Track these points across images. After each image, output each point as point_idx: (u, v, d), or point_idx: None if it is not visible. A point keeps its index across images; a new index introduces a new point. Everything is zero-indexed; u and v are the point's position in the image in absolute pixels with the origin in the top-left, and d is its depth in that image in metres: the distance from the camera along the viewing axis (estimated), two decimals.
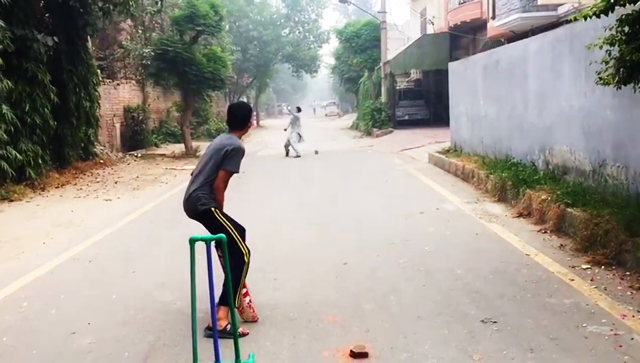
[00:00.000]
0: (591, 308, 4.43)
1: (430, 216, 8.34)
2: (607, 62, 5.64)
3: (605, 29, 5.65)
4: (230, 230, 4.37)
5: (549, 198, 7.29)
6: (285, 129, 20.59)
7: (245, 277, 4.43)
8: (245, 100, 47.07)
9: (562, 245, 6.32)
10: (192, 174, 4.62)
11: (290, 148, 19.28)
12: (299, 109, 20.24)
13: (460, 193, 10.14)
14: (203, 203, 4.39)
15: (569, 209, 6.70)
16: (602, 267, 5.39)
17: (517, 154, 10.13)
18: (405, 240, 6.91)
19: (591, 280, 5.08)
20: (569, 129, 8.08)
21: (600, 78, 5.78)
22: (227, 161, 4.39)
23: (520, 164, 9.71)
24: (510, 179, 8.91)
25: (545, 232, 6.92)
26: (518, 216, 7.91)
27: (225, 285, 4.29)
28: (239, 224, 4.59)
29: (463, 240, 6.80)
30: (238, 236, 4.44)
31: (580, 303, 4.54)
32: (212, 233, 4.33)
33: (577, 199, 6.87)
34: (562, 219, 6.78)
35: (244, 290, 4.49)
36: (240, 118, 4.60)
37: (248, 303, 4.52)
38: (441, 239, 6.91)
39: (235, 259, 4.30)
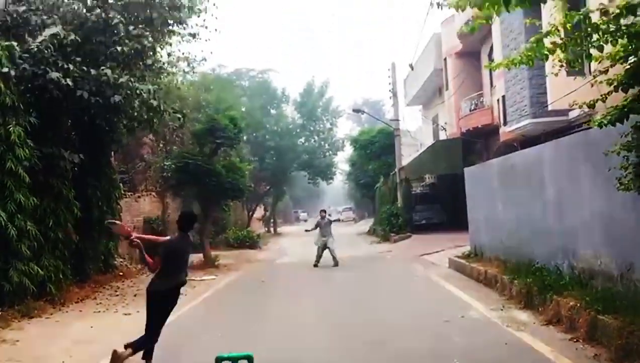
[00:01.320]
0: None
1: (455, 324, 8.13)
2: (626, 168, 5.71)
3: (621, 136, 5.77)
4: None
5: (578, 305, 7.10)
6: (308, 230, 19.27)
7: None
8: (262, 208, 47.71)
9: (596, 354, 6.08)
10: (168, 267, 6.53)
11: (332, 253, 17.67)
12: (323, 214, 18.79)
13: (485, 300, 9.93)
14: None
15: (600, 317, 6.51)
16: None
17: (541, 259, 9.98)
18: (431, 350, 6.71)
19: None
20: (592, 233, 8.03)
21: (621, 183, 5.82)
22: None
23: (545, 269, 9.54)
24: (536, 285, 8.74)
25: (577, 341, 6.68)
26: (547, 324, 7.68)
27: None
28: None
29: (492, 350, 6.58)
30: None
31: None
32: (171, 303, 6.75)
33: (608, 305, 6.67)
34: (594, 327, 6.56)
35: None
36: (187, 223, 6.81)
37: None
38: (469, 349, 6.70)
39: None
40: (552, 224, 9.45)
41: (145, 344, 6.46)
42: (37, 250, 11.70)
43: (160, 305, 6.60)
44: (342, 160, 49.55)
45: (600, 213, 7.69)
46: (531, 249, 10.51)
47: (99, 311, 11.29)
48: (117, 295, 13.31)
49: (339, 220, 17.83)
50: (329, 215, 19.78)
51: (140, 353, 6.51)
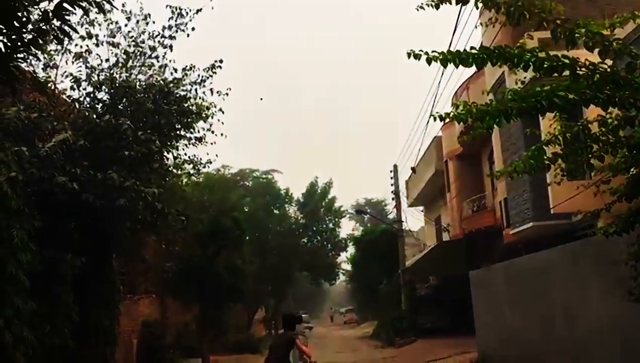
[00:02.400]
0: None
1: None
2: (635, 279, 5.61)
3: (628, 245, 5.71)
4: None
5: None
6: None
7: None
8: (263, 309, 46.80)
9: None
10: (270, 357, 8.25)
11: None
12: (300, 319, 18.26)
13: None
14: None
15: None
16: None
17: None
18: None
19: None
20: (605, 345, 7.78)
21: (631, 294, 5.70)
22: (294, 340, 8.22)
23: None
24: None
25: None
26: None
27: None
28: None
29: None
30: None
31: None
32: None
33: None
34: None
35: None
36: (288, 322, 8.37)
37: None
38: None
39: None
40: (563, 335, 9.19)
41: None
42: (32, 357, 11.33)
43: None
44: (345, 260, 49.21)
45: (613, 322, 7.48)
46: (542, 358, 10.16)
47: None
48: None
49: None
50: (305, 322, 18.00)
51: None
